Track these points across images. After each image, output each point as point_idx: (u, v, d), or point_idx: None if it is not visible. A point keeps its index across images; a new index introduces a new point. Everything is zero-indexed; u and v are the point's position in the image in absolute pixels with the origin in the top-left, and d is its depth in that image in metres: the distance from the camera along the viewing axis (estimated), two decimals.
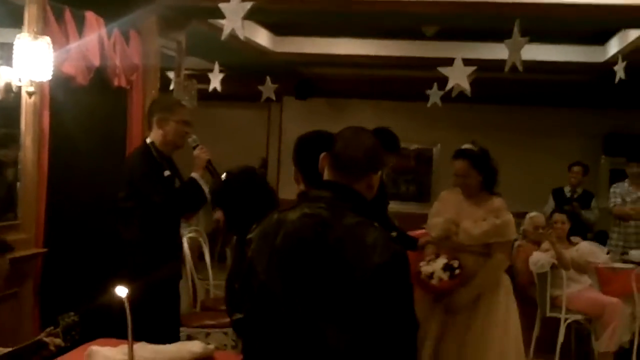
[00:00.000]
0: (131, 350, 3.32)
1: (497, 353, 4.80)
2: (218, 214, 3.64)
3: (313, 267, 2.42)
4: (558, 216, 7.45)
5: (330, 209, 2.47)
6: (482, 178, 4.87)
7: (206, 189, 4.85)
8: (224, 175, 3.67)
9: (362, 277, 2.35)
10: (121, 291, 3.31)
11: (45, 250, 5.18)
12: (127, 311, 3.29)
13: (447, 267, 4.68)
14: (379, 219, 2.56)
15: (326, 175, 2.60)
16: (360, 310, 2.37)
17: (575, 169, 9.37)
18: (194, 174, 4.86)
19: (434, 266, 4.71)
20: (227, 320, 5.79)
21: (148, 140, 4.90)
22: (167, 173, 4.83)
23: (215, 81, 8.87)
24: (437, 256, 4.80)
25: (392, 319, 2.39)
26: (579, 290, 7.13)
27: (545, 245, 7.24)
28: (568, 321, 7.09)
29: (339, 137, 2.63)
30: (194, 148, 4.92)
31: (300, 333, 2.44)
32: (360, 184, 2.55)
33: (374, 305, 2.37)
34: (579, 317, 7.10)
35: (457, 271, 4.67)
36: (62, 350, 3.40)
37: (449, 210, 4.96)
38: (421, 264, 4.78)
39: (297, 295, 2.44)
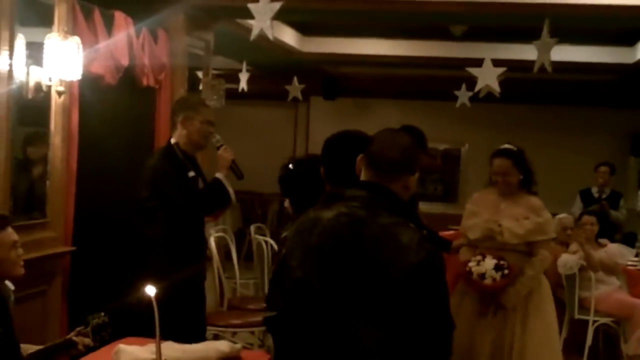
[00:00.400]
0: (159, 348, 3.32)
1: (554, 352, 4.91)
2: (287, 203, 3.62)
3: (348, 265, 2.42)
4: (587, 218, 7.40)
5: (365, 208, 2.47)
6: (522, 177, 4.90)
7: (230, 189, 4.84)
8: (290, 165, 3.67)
9: (397, 276, 2.36)
10: (150, 290, 3.31)
11: (73, 248, 5.21)
12: (155, 310, 3.29)
13: (497, 267, 4.70)
14: (411, 219, 2.55)
15: (363, 176, 2.59)
16: (395, 309, 2.37)
17: (602, 169, 9.30)
18: (218, 174, 4.84)
19: (485, 266, 4.72)
20: (254, 319, 5.85)
21: (172, 141, 4.86)
22: (191, 174, 4.81)
23: (243, 81, 8.89)
24: (484, 257, 4.78)
25: (427, 318, 2.40)
26: (607, 292, 7.08)
27: (574, 246, 7.19)
28: (597, 324, 7.03)
29: (375, 138, 2.63)
30: (218, 148, 4.90)
31: (333, 330, 2.44)
32: (397, 184, 2.55)
33: (409, 305, 2.37)
34: (607, 320, 7.05)
35: (506, 271, 4.69)
36: (91, 350, 3.41)
37: (485, 211, 4.94)
38: (470, 264, 4.77)
39: (331, 292, 2.44)
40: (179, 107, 5.00)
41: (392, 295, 2.37)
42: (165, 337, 3.64)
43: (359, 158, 2.63)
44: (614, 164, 9.60)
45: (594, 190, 9.26)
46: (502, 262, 4.71)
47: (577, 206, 9.06)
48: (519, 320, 4.80)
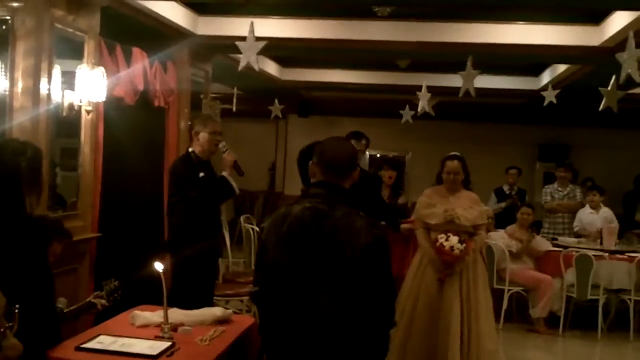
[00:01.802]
0: (166, 313, 3.30)
1: (491, 306, 5.08)
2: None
3: (312, 248, 2.43)
4: (525, 209, 7.45)
5: (326, 203, 2.48)
6: (464, 176, 5.03)
7: (234, 183, 4.87)
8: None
9: (352, 255, 2.38)
10: (159, 266, 3.29)
11: (99, 234, 5.15)
12: (163, 282, 3.27)
13: (460, 242, 4.80)
14: (378, 205, 2.58)
15: (318, 177, 2.60)
16: (350, 281, 2.39)
17: (512, 171, 9.39)
18: (223, 173, 4.88)
19: (452, 242, 4.80)
20: (243, 290, 5.82)
21: (190, 149, 4.93)
22: (201, 174, 4.83)
23: (233, 103, 8.87)
24: (447, 234, 4.85)
25: (375, 287, 2.42)
26: (521, 268, 7.13)
27: (511, 232, 7.34)
28: (511, 292, 7.09)
29: (325, 147, 2.63)
30: (224, 152, 4.93)
31: (301, 299, 2.44)
32: (347, 181, 2.58)
33: (362, 276, 2.39)
34: (519, 289, 7.11)
35: (464, 244, 4.80)
36: (109, 310, 3.39)
37: (439, 203, 5.01)
38: (440, 241, 4.84)
39: (300, 270, 2.45)
40: (194, 123, 5.11)
41: (348, 270, 2.39)
42: (180, 305, 3.64)
43: (310, 164, 2.63)
44: (524, 168, 9.71)
45: (505, 188, 9.33)
46: (462, 238, 4.82)
47: (492, 201, 9.12)
48: (469, 280, 4.93)
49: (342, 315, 2.40)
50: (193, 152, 4.88)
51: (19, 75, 4.31)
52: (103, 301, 3.29)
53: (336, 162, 2.57)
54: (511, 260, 7.08)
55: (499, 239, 7.25)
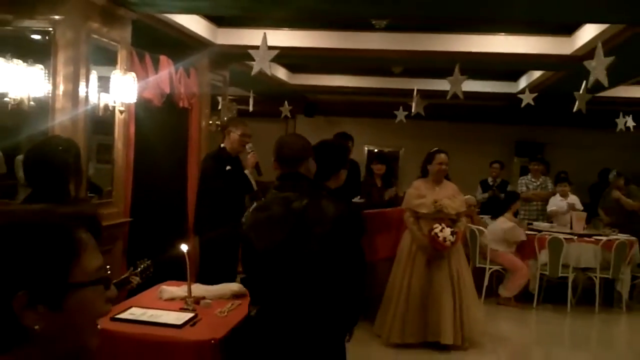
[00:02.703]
0: (189, 288, 3.31)
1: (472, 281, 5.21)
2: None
3: (287, 230, 2.47)
4: (519, 202, 7.51)
5: (292, 190, 2.55)
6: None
7: (253, 181, 4.97)
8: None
9: (323, 227, 2.43)
10: (184, 247, 3.29)
11: (130, 219, 5.16)
12: (187, 261, 3.27)
13: (452, 233, 4.83)
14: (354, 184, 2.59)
15: (278, 171, 2.65)
16: (325, 251, 2.43)
17: (495, 165, 9.37)
18: (245, 171, 4.98)
19: (445, 233, 4.83)
20: None
21: (222, 145, 5.02)
22: (228, 168, 4.88)
23: (250, 103, 8.84)
24: (441, 224, 4.88)
25: (347, 253, 2.48)
26: (502, 251, 7.11)
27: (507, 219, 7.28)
28: (491, 270, 7.08)
29: (281, 144, 2.68)
30: (249, 153, 5.00)
31: (285, 275, 2.48)
32: (302, 168, 2.62)
33: (334, 246, 2.44)
34: (498, 267, 7.10)
35: (454, 235, 4.84)
36: (140, 285, 3.39)
37: (428, 194, 5.01)
38: (435, 230, 4.85)
39: (281, 250, 2.48)
40: (228, 124, 5.22)
41: (322, 241, 2.43)
42: (208, 281, 3.65)
43: (274, 161, 2.68)
44: (503, 162, 9.71)
45: (490, 180, 9.32)
46: (454, 229, 4.84)
47: (479, 191, 9.13)
48: (455, 262, 4.99)
49: (320, 282, 2.44)
50: (224, 148, 4.98)
51: (60, 80, 4.32)
52: (137, 278, 3.29)
53: (287, 155, 2.63)
54: (494, 243, 7.06)
55: (499, 224, 7.15)
